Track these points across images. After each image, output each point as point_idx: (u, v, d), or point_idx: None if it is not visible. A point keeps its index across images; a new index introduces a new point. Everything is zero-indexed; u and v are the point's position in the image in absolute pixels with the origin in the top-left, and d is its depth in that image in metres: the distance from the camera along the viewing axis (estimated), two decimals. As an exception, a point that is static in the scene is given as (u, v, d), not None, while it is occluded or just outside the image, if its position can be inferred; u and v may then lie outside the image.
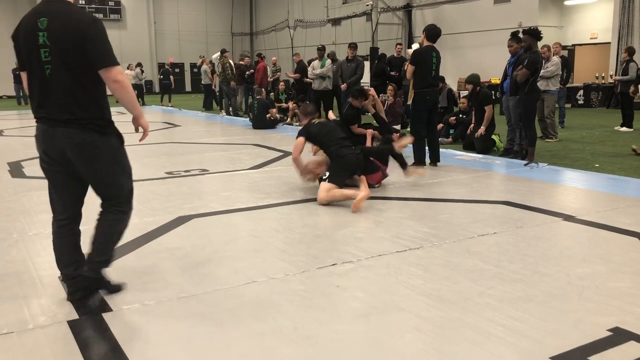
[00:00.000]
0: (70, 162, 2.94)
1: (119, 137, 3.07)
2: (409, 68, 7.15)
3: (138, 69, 21.65)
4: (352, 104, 7.73)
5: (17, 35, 2.93)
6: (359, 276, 3.46)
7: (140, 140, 3.20)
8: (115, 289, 3.20)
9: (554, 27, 18.65)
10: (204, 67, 18.32)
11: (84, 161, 2.94)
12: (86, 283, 3.06)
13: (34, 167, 7.46)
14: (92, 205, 3.17)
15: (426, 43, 7.10)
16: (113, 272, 3.50)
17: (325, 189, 5.30)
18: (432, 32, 7.07)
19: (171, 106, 20.15)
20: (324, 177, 5.47)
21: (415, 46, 11.11)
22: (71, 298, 3.08)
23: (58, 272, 3.46)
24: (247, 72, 15.82)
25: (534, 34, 7.44)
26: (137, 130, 3.18)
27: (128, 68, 21.70)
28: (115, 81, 2.85)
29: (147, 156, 8.50)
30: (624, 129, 10.98)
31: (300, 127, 5.94)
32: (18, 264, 3.70)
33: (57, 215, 3.13)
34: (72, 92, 2.85)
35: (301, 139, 5.71)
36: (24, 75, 3.02)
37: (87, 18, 2.85)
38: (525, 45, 7.48)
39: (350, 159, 5.50)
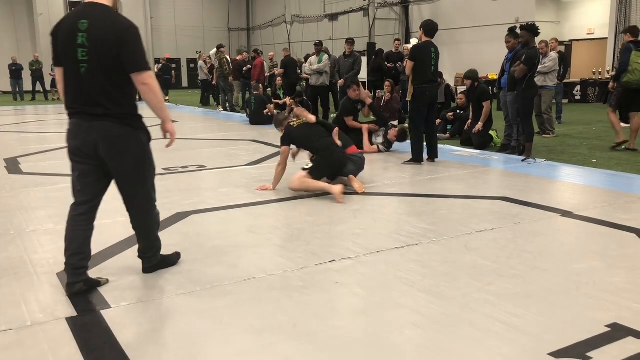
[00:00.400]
0: (99, 156, 3.08)
1: (148, 134, 3.21)
2: (407, 64, 7.14)
3: None
4: (349, 95, 7.73)
5: (56, 33, 3.10)
6: (358, 272, 3.46)
7: (167, 146, 3.28)
8: (174, 259, 3.55)
9: (550, 22, 18.64)
10: (200, 62, 18.27)
11: (115, 153, 3.07)
12: (153, 270, 3.40)
13: (30, 164, 7.45)
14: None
15: (424, 38, 7.09)
16: (111, 269, 3.50)
17: (299, 176, 5.34)
18: (430, 28, 7.06)
19: (167, 100, 20.09)
20: (305, 167, 5.47)
21: (414, 41, 11.11)
22: (69, 290, 3.12)
23: (55, 269, 3.48)
24: (245, 68, 15.79)
25: (532, 29, 7.43)
26: (164, 136, 3.27)
27: None
28: (144, 84, 3.02)
29: (144, 152, 8.48)
30: (622, 124, 10.96)
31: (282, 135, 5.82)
32: (15, 260, 3.69)
33: (76, 203, 3.20)
34: (106, 90, 3.01)
35: (284, 148, 5.62)
36: (58, 70, 3.15)
37: (125, 23, 3.03)
38: (523, 41, 7.47)
39: (337, 157, 5.50)
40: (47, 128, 12.52)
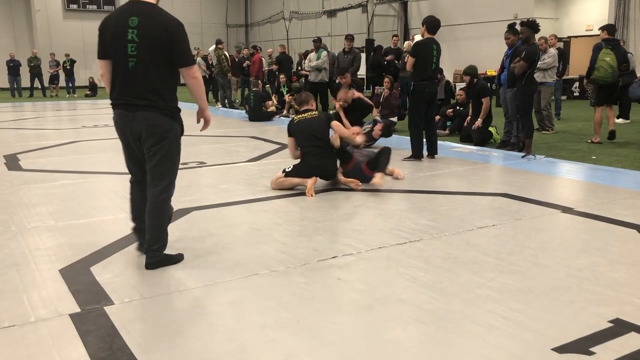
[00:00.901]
0: (141, 141, 3.35)
1: (182, 127, 3.49)
2: (409, 60, 7.13)
3: None
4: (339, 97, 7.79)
5: (104, 29, 3.31)
6: (360, 268, 3.47)
7: (202, 130, 3.73)
8: (178, 258, 3.58)
9: (549, 19, 18.64)
10: (198, 59, 18.22)
11: (154, 141, 3.33)
12: (155, 266, 3.45)
13: (30, 160, 7.44)
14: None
15: (426, 35, 7.08)
16: (113, 266, 3.51)
17: (276, 177, 5.61)
18: (433, 24, 7.06)
19: None
20: (287, 169, 5.61)
21: (418, 37, 11.15)
22: (139, 249, 3.63)
23: (58, 266, 3.50)
24: (245, 64, 15.76)
25: (532, 25, 7.43)
26: (198, 121, 3.64)
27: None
28: (193, 77, 3.36)
29: (144, 149, 8.47)
30: (621, 120, 11.00)
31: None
32: (17, 257, 3.68)
33: (131, 177, 3.61)
34: (152, 83, 3.27)
35: (289, 137, 5.86)
36: (101, 63, 3.37)
37: (174, 21, 3.28)
38: (523, 37, 7.47)
39: (310, 164, 5.55)
40: (46, 125, 12.50)
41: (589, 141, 8.65)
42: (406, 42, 13.67)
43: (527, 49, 7.31)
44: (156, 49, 3.21)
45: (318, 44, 12.40)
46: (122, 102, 3.32)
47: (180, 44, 3.25)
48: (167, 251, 3.54)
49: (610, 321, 2.69)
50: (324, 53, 12.29)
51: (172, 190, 3.55)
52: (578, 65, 18.68)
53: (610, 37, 8.59)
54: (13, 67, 21.83)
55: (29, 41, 27.74)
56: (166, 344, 2.54)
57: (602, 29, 8.73)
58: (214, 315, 2.81)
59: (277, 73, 14.61)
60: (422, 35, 7.30)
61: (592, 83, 8.78)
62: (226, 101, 16.29)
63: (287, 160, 6.10)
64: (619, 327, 2.63)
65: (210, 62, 17.09)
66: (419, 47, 7.08)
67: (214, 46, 16.37)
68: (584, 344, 2.47)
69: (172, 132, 3.37)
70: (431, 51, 6.96)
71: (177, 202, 5.06)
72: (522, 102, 7.49)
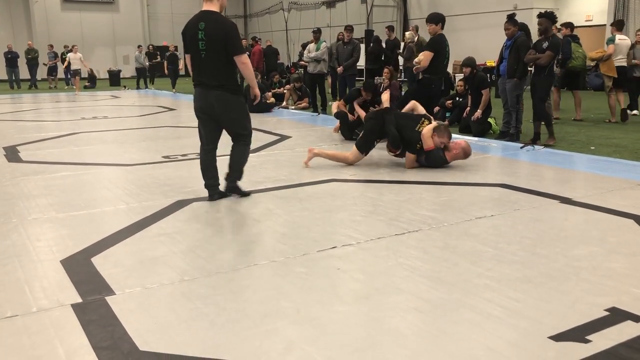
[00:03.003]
0: (215, 112, 4.60)
1: (245, 97, 4.83)
2: (427, 54, 7.12)
3: (137, 52, 20.90)
4: (361, 92, 7.85)
5: (185, 31, 4.63)
6: (359, 258, 3.49)
7: (255, 104, 5.24)
8: (246, 194, 4.94)
9: (549, 9, 18.57)
10: None
11: (225, 111, 4.60)
12: (228, 191, 4.88)
13: (29, 152, 7.45)
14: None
15: (439, 31, 7.15)
16: (114, 256, 3.53)
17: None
18: (444, 20, 7.19)
19: (151, 89, 20.01)
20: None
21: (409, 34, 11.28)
22: (210, 199, 4.81)
23: (59, 256, 3.53)
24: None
25: (550, 16, 7.49)
26: (252, 97, 4.96)
27: (71, 50, 19.99)
28: (242, 63, 4.53)
29: (144, 140, 8.48)
30: (635, 112, 10.90)
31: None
32: (19, 248, 3.71)
33: (203, 145, 4.81)
34: (218, 68, 4.52)
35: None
36: (186, 56, 4.69)
37: (228, 23, 4.54)
38: (542, 28, 7.50)
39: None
40: (45, 116, 12.49)
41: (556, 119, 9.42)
42: (408, 33, 13.61)
43: (552, 40, 7.35)
44: (217, 44, 4.43)
45: (318, 35, 12.37)
46: (199, 82, 4.60)
47: (232, 40, 4.44)
48: (162, 245, 3.56)
49: (606, 310, 2.72)
50: (324, 44, 12.25)
51: (250, 139, 4.86)
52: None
53: (573, 34, 10.36)
54: (11, 59, 21.78)
55: (27, 32, 27.64)
56: (167, 334, 2.57)
57: (565, 25, 10.48)
58: (215, 306, 2.84)
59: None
60: (435, 33, 7.29)
61: (569, 70, 10.22)
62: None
63: (284, 152, 6.10)
64: (615, 316, 2.65)
65: None
66: (439, 42, 7.11)
67: None
68: (580, 332, 2.50)
69: (237, 102, 4.64)
70: (445, 47, 7.01)
71: (177, 193, 5.11)
72: (542, 92, 7.62)
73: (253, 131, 4.94)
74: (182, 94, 18.09)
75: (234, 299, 2.92)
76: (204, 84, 4.56)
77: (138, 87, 21.04)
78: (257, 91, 4.86)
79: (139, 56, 20.43)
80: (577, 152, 7.10)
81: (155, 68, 21.18)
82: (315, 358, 2.34)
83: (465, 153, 6.10)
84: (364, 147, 6.18)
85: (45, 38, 26.49)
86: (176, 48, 19.65)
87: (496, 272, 3.21)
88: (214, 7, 4.54)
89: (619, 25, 10.58)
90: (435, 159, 6.02)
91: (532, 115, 7.79)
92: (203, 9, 4.55)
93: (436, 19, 7.27)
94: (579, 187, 5.35)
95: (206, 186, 4.84)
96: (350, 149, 6.36)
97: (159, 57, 21.43)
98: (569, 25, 10.49)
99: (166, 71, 19.64)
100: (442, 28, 7.12)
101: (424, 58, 7.23)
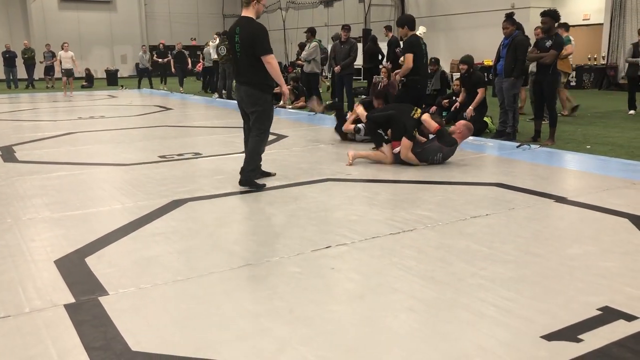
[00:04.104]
0: (243, 105, 5.27)
1: (273, 96, 5.37)
2: (408, 56, 7.14)
3: (141, 52, 20.75)
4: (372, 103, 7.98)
5: (228, 36, 5.38)
6: (354, 258, 3.49)
7: (283, 100, 5.72)
8: (260, 186, 5.26)
9: (546, 8, 18.56)
10: (207, 48, 17.99)
11: (250, 104, 5.20)
12: (242, 184, 5.27)
13: (25, 152, 7.44)
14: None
15: (410, 33, 7.19)
16: (108, 256, 3.53)
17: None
18: (413, 22, 7.31)
19: (164, 89, 19.94)
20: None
21: (422, 29, 11.29)
22: (240, 184, 5.28)
23: (52, 257, 3.54)
24: None
25: (554, 15, 7.51)
26: (279, 93, 5.73)
27: (62, 48, 18.88)
28: (268, 63, 5.05)
29: (141, 140, 8.47)
30: (632, 112, 10.89)
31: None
32: (13, 248, 3.70)
33: (245, 130, 5.49)
34: (250, 67, 5.10)
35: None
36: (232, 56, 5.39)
37: (258, 27, 5.11)
38: (546, 27, 7.52)
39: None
40: (41, 116, 12.47)
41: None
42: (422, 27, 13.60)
43: (555, 39, 7.36)
44: (247, 46, 5.05)
45: (309, 35, 12.41)
46: (237, 79, 5.28)
47: (259, 41, 5.01)
48: (157, 245, 3.56)
49: (599, 309, 2.72)
50: (313, 44, 12.32)
51: (265, 135, 5.31)
52: (575, 54, 18.63)
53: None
54: (9, 59, 21.72)
55: (25, 32, 27.58)
56: (160, 334, 2.56)
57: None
58: (209, 305, 2.84)
59: None
60: (404, 36, 7.35)
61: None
62: (224, 91, 16.20)
63: (281, 151, 6.10)
64: (608, 315, 2.66)
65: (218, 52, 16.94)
66: (413, 43, 7.14)
67: (217, 40, 16.25)
68: (572, 332, 2.50)
69: (262, 99, 5.15)
70: (421, 46, 7.06)
71: (173, 192, 5.10)
72: (549, 92, 7.63)
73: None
74: (173, 92, 18.04)
75: (228, 298, 2.91)
76: (239, 80, 5.25)
77: (139, 88, 20.97)
78: (285, 89, 5.35)
79: (143, 56, 20.40)
80: (573, 151, 7.10)
81: (167, 67, 21.10)
82: (309, 358, 2.34)
83: (469, 129, 6.38)
84: (379, 140, 6.51)
85: (42, 37, 26.40)
86: (183, 47, 19.53)
87: (490, 272, 3.21)
88: (249, 13, 5.14)
89: (566, 26, 10.61)
90: (431, 150, 6.16)
91: (534, 114, 7.83)
92: (241, 15, 5.19)
93: (402, 21, 7.37)
94: (574, 186, 5.35)
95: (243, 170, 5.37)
96: (347, 149, 6.36)
97: (169, 55, 21.33)
98: (564, 26, 10.34)
99: (173, 70, 19.63)
100: (412, 29, 7.18)
101: (406, 61, 7.27)
